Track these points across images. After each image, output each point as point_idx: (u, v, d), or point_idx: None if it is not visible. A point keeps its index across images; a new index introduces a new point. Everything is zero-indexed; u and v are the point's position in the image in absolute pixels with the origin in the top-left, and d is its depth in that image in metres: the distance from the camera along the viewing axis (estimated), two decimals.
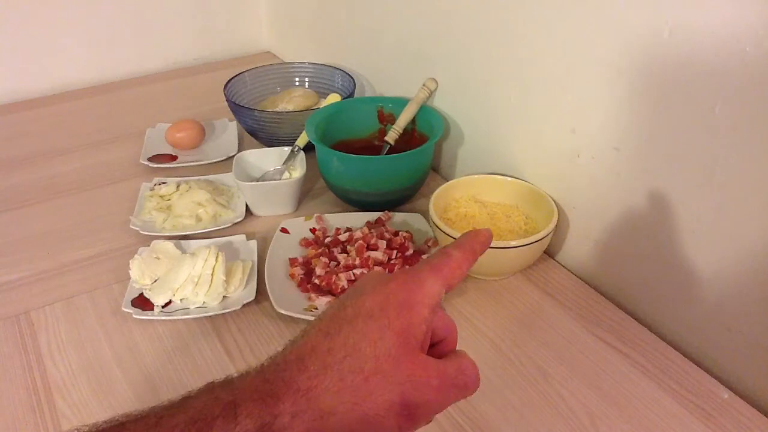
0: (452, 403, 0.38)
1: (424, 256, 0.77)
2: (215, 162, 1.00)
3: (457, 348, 0.41)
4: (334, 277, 0.73)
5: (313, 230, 0.84)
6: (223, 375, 0.67)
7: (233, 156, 0.94)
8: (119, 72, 1.34)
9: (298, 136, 0.93)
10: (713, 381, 0.64)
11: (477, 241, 0.42)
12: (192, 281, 0.72)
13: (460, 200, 0.82)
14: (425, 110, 0.93)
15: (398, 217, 0.86)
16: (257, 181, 0.92)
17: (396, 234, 0.79)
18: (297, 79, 1.17)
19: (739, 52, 0.55)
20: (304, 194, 0.94)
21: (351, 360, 0.33)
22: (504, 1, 0.78)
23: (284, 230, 0.83)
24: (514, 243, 0.71)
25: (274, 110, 1.04)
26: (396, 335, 0.34)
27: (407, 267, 0.38)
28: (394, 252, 0.77)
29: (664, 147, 0.64)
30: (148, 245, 0.80)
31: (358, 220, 0.85)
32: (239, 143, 1.06)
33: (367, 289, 0.36)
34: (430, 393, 0.35)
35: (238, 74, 1.10)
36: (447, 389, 0.36)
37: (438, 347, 0.40)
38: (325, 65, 1.14)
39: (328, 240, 0.80)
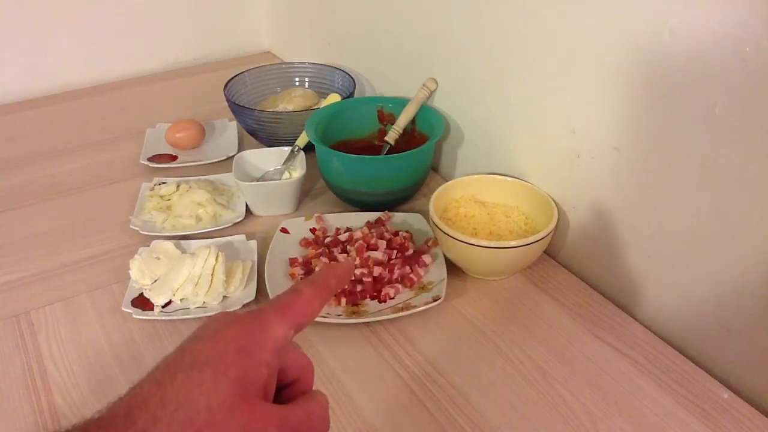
0: None
1: (423, 256, 0.77)
2: (215, 162, 1.00)
3: (314, 387, 0.39)
4: None
5: (313, 230, 0.84)
6: None
7: (233, 156, 0.94)
8: (119, 72, 1.34)
9: (298, 136, 0.93)
10: (713, 381, 0.64)
11: (333, 275, 0.40)
12: (192, 281, 0.72)
13: (460, 200, 0.82)
14: (425, 110, 0.93)
15: (398, 217, 0.86)
16: (257, 181, 0.92)
17: (396, 234, 0.79)
18: (297, 79, 1.17)
19: (739, 52, 0.55)
20: (304, 194, 0.94)
21: (183, 412, 0.32)
22: (504, 2, 0.78)
23: (284, 230, 0.83)
24: (514, 243, 0.71)
25: (274, 110, 1.04)
26: (232, 384, 0.32)
27: (254, 308, 0.36)
28: (394, 252, 0.77)
29: (664, 147, 0.64)
30: (148, 245, 0.80)
31: (358, 220, 0.85)
32: (239, 143, 1.06)
33: (206, 334, 0.35)
34: None
35: (238, 74, 1.10)
36: None
37: (290, 389, 0.38)
38: (325, 65, 1.14)
39: (328, 240, 0.80)
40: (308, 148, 0.92)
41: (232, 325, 0.35)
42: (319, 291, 0.39)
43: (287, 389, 0.38)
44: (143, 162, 0.99)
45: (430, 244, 0.80)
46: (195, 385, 0.32)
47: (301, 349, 0.40)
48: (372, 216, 0.85)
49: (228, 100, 1.03)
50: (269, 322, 0.36)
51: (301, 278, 0.75)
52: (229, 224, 0.86)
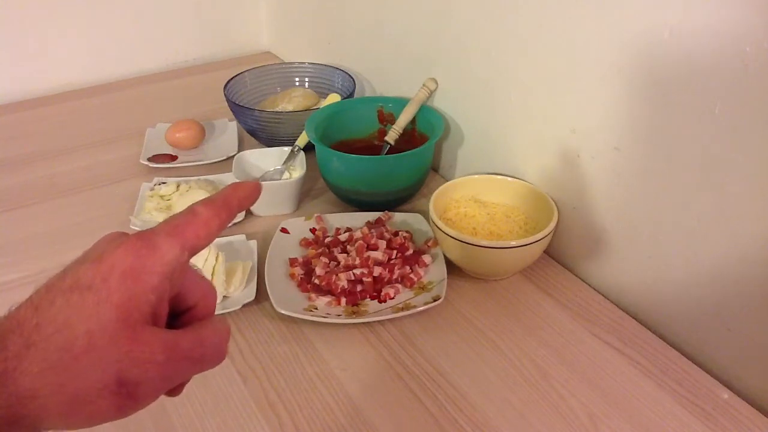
0: (189, 376, 0.34)
1: (423, 256, 0.77)
2: (215, 162, 1.00)
3: (214, 316, 0.37)
4: (334, 277, 0.73)
5: (313, 230, 0.84)
6: (223, 375, 0.67)
7: (233, 156, 0.94)
8: (119, 72, 1.34)
9: (298, 136, 0.93)
10: (713, 381, 0.64)
11: (235, 196, 0.37)
12: None
13: (460, 200, 0.82)
14: (425, 110, 0.93)
15: (398, 217, 0.86)
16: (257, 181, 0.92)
17: (396, 234, 0.79)
18: (297, 79, 1.17)
19: (739, 52, 0.55)
20: (304, 194, 0.94)
21: (60, 337, 0.30)
22: (504, 1, 0.78)
23: (284, 230, 0.83)
24: (514, 243, 0.71)
25: (274, 110, 1.04)
26: (115, 309, 0.31)
27: (149, 229, 0.34)
28: (394, 252, 0.77)
29: (664, 147, 0.64)
30: None
31: (358, 220, 0.85)
32: (239, 143, 1.06)
33: (92, 256, 0.33)
34: (154, 369, 0.31)
35: (238, 74, 1.10)
36: (177, 363, 0.32)
37: (188, 315, 0.36)
38: (325, 65, 1.14)
39: (328, 240, 0.80)
40: (308, 148, 0.92)
41: (119, 247, 0.33)
42: (218, 212, 0.35)
43: (185, 315, 0.36)
44: (143, 162, 0.99)
45: (430, 244, 0.80)
46: (75, 310, 0.31)
47: (202, 274, 0.37)
48: (372, 216, 0.85)
49: (228, 100, 1.03)
50: (159, 245, 0.33)
51: (302, 278, 0.75)
52: (229, 224, 0.86)
